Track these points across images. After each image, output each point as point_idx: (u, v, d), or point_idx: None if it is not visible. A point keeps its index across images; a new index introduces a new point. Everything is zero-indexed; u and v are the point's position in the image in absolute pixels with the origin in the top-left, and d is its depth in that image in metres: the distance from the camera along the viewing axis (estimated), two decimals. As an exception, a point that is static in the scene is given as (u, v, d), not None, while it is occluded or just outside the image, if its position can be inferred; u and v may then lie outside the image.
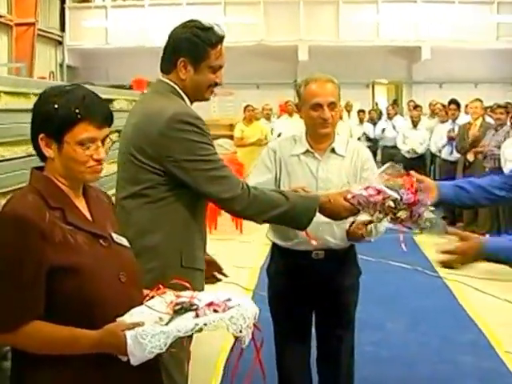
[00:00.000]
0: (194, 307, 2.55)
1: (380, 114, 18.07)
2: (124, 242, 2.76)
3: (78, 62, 23.75)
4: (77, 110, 2.50)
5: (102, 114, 2.56)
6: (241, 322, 2.47)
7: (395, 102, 19.29)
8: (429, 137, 14.32)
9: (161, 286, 2.70)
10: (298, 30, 22.81)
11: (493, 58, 23.58)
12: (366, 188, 3.54)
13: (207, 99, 3.65)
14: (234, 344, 2.64)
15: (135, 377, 2.54)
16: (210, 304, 2.55)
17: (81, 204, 2.67)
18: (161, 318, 2.50)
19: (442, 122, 13.88)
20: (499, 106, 11.34)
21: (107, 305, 2.52)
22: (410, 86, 24.58)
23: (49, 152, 2.55)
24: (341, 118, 17.67)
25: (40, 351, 2.45)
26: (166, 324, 2.47)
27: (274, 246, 4.49)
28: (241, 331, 2.47)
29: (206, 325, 2.43)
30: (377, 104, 23.98)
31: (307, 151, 4.27)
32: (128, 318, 2.48)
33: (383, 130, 16.68)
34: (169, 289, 2.69)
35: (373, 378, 5.78)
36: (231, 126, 16.08)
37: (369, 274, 9.01)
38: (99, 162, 2.58)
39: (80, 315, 2.47)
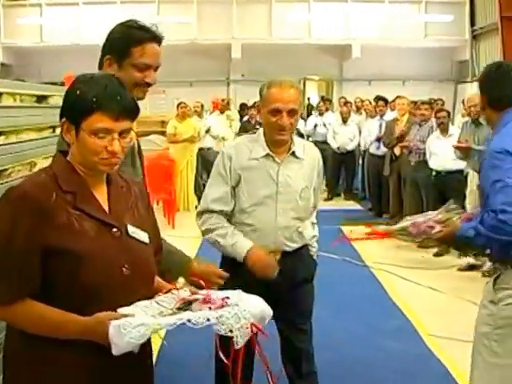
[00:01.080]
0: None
1: (311, 110, 18.35)
2: (141, 237, 2.72)
3: (12, 59, 23.54)
4: (94, 99, 2.49)
5: (120, 105, 2.53)
6: (231, 322, 2.40)
7: (323, 99, 19.58)
8: (358, 132, 14.66)
9: (179, 282, 2.76)
10: (231, 28, 22.95)
11: (420, 57, 24.09)
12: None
13: (137, 98, 3.48)
14: (217, 343, 2.55)
15: (122, 374, 2.58)
16: (206, 301, 2.53)
17: (100, 192, 2.66)
18: (161, 312, 2.49)
19: (371, 117, 14.23)
20: (423, 103, 11.65)
21: (103, 294, 2.50)
22: (340, 83, 24.94)
23: (67, 137, 2.57)
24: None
25: (28, 330, 2.48)
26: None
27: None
28: (231, 331, 2.39)
29: (189, 321, 2.36)
30: (309, 99, 24.30)
31: (267, 155, 4.22)
32: (129, 309, 2.45)
33: (315, 126, 16.99)
34: (186, 285, 2.71)
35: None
36: (163, 123, 16.19)
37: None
38: (114, 154, 2.55)
39: (74, 300, 2.47)
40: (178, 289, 2.68)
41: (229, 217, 4.35)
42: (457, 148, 9.32)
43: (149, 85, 3.51)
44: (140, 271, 2.65)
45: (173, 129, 15.10)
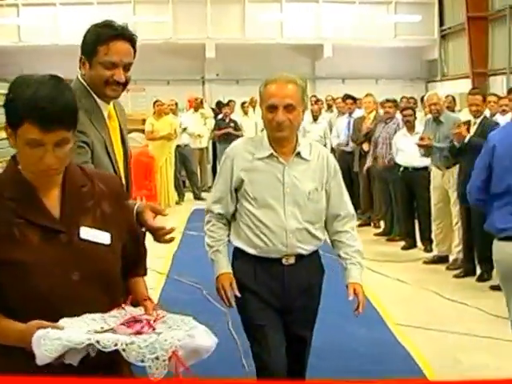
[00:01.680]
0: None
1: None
2: (100, 238, 2.58)
3: (-9, 59, 23.64)
4: (22, 108, 2.33)
5: (51, 115, 2.33)
6: (144, 351, 2.24)
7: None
8: (328, 130, 14.94)
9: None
10: (206, 28, 23.12)
11: (391, 56, 24.53)
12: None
13: (110, 96, 3.60)
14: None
15: None
16: (129, 325, 2.41)
17: (51, 196, 2.53)
18: (102, 328, 2.37)
19: (343, 114, 14.54)
20: (388, 101, 11.94)
21: (52, 303, 2.42)
22: (313, 81, 25.18)
23: (11, 142, 2.44)
24: (246, 113, 18.34)
25: None
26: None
27: (239, 250, 4.28)
28: (143, 361, 2.24)
29: (98, 342, 2.23)
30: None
31: (271, 155, 4.07)
32: (66, 320, 2.37)
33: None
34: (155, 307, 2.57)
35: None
36: (143, 121, 16.46)
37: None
38: (49, 167, 2.41)
39: (26, 310, 2.39)
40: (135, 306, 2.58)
41: (233, 218, 4.26)
42: (419, 146, 9.71)
43: (119, 83, 3.49)
44: (94, 276, 2.53)
45: (150, 126, 15.40)
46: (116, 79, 3.46)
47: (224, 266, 4.23)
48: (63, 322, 2.34)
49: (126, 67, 3.49)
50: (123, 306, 2.54)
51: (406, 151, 10.51)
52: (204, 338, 2.38)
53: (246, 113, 18.16)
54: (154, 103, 15.76)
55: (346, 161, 13.42)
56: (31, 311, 2.37)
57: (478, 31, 21.69)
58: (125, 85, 3.54)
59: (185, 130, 16.00)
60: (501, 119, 10.04)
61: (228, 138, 17.23)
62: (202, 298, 7.98)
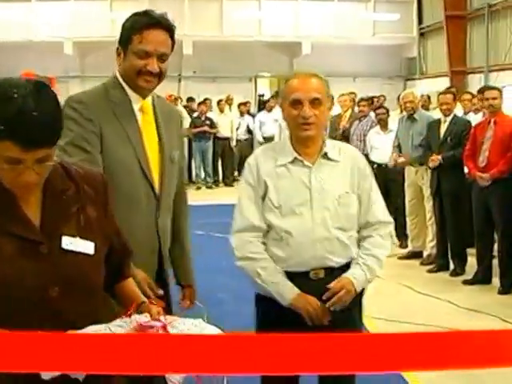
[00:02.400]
0: None
1: (263, 107, 18.65)
2: (83, 248, 2.40)
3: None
4: (2, 126, 2.10)
5: (34, 134, 2.13)
6: None
7: (273, 95, 19.94)
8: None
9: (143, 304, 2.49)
10: (183, 24, 23.15)
11: (370, 54, 24.62)
12: None
13: (142, 87, 3.41)
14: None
15: None
16: (143, 327, 2.29)
17: (31, 204, 2.34)
18: None
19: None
20: (362, 99, 12.02)
21: (26, 319, 2.22)
22: (291, 79, 25.32)
23: None
24: (222, 111, 18.35)
25: None
26: None
27: None
28: None
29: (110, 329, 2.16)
30: (261, 96, 24.62)
31: (295, 159, 3.66)
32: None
33: (263, 122, 17.35)
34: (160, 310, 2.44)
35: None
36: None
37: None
38: (28, 184, 2.24)
39: (5, 326, 2.11)
40: (139, 313, 2.41)
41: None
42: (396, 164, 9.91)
43: (153, 74, 3.32)
44: (75, 290, 2.35)
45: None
46: (149, 69, 3.30)
47: (293, 286, 3.68)
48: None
49: (162, 57, 3.33)
50: (128, 313, 2.39)
51: (380, 148, 10.58)
52: None
53: (221, 111, 18.14)
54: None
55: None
56: (11, 327, 2.09)
57: (456, 30, 21.82)
58: (160, 76, 3.37)
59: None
60: (473, 117, 10.11)
61: (203, 136, 17.25)
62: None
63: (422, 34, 24.96)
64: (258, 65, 23.92)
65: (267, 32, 23.78)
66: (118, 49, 3.39)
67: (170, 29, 3.38)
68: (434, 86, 20.33)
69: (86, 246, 2.39)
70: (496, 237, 8.41)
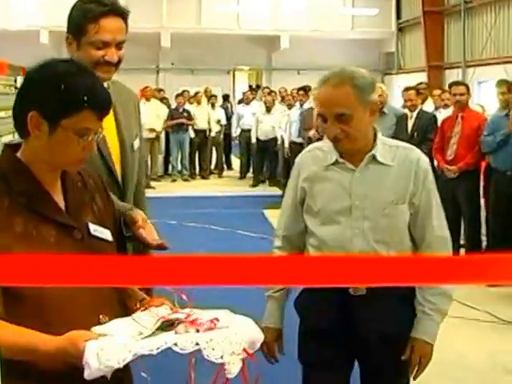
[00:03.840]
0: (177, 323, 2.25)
1: (242, 99, 18.68)
2: (105, 234, 2.43)
3: None
4: (85, 97, 2.19)
5: (105, 105, 2.28)
6: (222, 347, 2.09)
7: (251, 88, 20.03)
8: (281, 120, 15.03)
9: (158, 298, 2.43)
10: (161, 17, 23.18)
11: (348, 48, 24.71)
12: None
13: (102, 79, 3.09)
14: (217, 376, 2.13)
15: None
16: (193, 322, 2.21)
17: (55, 191, 2.35)
18: (141, 333, 2.21)
19: (292, 106, 14.65)
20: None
21: (67, 305, 2.23)
22: (269, 72, 25.38)
23: (35, 132, 2.22)
24: (199, 103, 18.36)
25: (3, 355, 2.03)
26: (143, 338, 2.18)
27: None
28: (222, 357, 2.07)
29: (176, 345, 2.07)
30: (257, 86, 24.63)
31: (337, 161, 3.25)
32: (105, 328, 2.20)
33: (241, 115, 17.44)
34: (166, 302, 2.39)
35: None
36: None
37: (217, 242, 9.75)
38: (88, 154, 2.32)
39: (36, 314, 2.20)
40: (157, 306, 2.36)
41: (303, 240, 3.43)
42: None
43: (110, 63, 3.18)
44: None
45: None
46: (108, 59, 3.14)
47: (269, 317, 3.49)
48: (99, 329, 2.17)
49: (119, 45, 3.18)
50: (145, 306, 2.36)
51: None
52: (254, 327, 2.27)
53: (199, 102, 18.15)
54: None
55: (298, 152, 13.31)
56: (40, 315, 2.19)
57: (433, 25, 21.99)
58: (117, 64, 3.22)
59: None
60: (443, 112, 10.23)
61: (181, 128, 17.27)
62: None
63: (400, 29, 25.12)
64: (236, 58, 24.01)
65: (246, 25, 23.87)
66: (67, 38, 3.21)
67: (124, 14, 3.19)
68: (411, 80, 20.43)
69: (106, 234, 2.43)
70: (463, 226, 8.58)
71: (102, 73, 3.08)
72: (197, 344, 2.07)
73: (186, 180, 17.57)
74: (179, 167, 17.79)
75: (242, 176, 17.71)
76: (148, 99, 17.01)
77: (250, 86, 24.16)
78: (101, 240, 2.39)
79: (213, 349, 2.07)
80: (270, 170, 16.70)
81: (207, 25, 23.35)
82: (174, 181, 17.46)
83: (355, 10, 24.66)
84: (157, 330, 2.22)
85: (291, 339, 3.45)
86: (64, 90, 2.17)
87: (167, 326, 2.24)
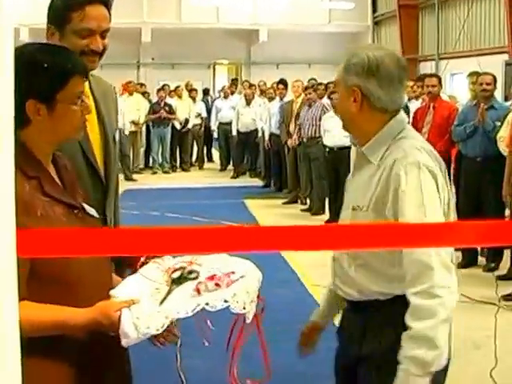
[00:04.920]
0: (194, 275, 2.34)
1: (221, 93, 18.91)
2: (94, 212, 2.53)
3: None
4: (69, 65, 2.34)
5: (84, 65, 2.46)
6: (244, 298, 2.20)
7: (232, 82, 20.21)
8: (262, 113, 15.29)
9: None
10: (141, 12, 23.30)
11: (325, 41, 25.06)
12: None
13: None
14: (235, 321, 2.32)
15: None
16: (212, 277, 2.29)
17: (52, 173, 2.43)
18: (157, 289, 2.30)
19: (273, 99, 14.93)
20: (307, 87, 12.43)
21: (86, 282, 2.33)
22: (248, 66, 25.56)
23: (37, 118, 2.29)
24: (180, 97, 18.60)
25: (29, 334, 1.95)
26: (165, 298, 2.25)
27: None
28: (244, 308, 2.19)
29: (207, 304, 2.15)
30: (235, 79, 24.81)
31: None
32: (122, 290, 2.30)
33: (219, 108, 17.75)
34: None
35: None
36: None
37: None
38: (84, 118, 2.44)
39: (61, 293, 2.26)
40: (159, 256, 2.47)
41: None
42: None
43: (96, 52, 3.08)
44: None
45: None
46: (93, 48, 3.02)
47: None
48: (118, 293, 2.28)
49: (103, 34, 3.07)
50: (145, 260, 2.48)
51: (332, 131, 10.84)
52: (255, 269, 2.42)
53: (179, 96, 18.38)
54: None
55: (277, 143, 13.91)
56: (67, 290, 2.28)
57: (408, 18, 22.33)
58: (102, 54, 3.10)
59: (124, 116, 16.25)
60: (414, 104, 10.55)
61: (162, 122, 17.53)
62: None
63: (376, 23, 25.46)
64: (216, 52, 24.22)
65: (225, 19, 24.06)
66: (49, 28, 3.08)
67: (108, 2, 3.10)
68: (387, 73, 20.79)
69: (94, 211, 2.53)
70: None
71: (88, 62, 2.96)
72: (225, 301, 2.18)
73: (166, 172, 17.82)
74: (160, 160, 18.01)
75: (223, 168, 18.04)
76: (131, 93, 17.28)
77: (233, 80, 24.41)
78: (93, 217, 2.50)
79: (237, 302, 2.18)
80: (251, 162, 17.01)
81: (187, 20, 23.54)
82: (155, 173, 17.72)
83: (332, 3, 24.89)
84: (172, 284, 2.32)
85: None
86: (50, 67, 2.28)
87: (179, 278, 2.35)
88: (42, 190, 2.28)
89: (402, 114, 2.83)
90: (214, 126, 17.98)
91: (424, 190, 2.57)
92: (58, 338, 2.23)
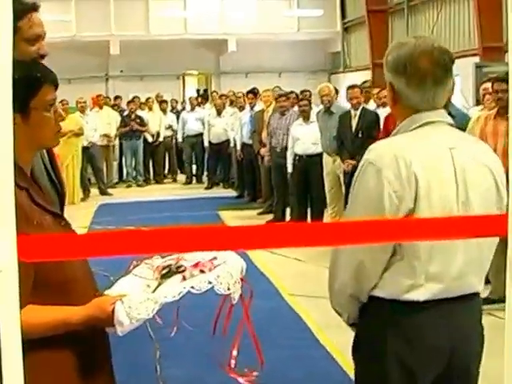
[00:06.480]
0: (181, 269, 2.48)
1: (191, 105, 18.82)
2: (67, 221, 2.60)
3: None
4: (38, 74, 2.43)
5: (54, 74, 2.52)
6: (228, 280, 2.40)
7: (204, 94, 20.19)
8: (233, 123, 15.22)
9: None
10: (109, 25, 23.19)
11: (295, 49, 25.07)
12: None
13: None
14: (222, 304, 2.54)
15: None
16: (196, 265, 2.47)
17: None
18: (148, 286, 2.47)
19: (243, 109, 14.87)
20: (280, 96, 12.28)
21: (78, 280, 2.48)
22: (218, 76, 25.55)
23: (13, 128, 2.26)
24: (150, 109, 18.51)
25: (31, 336, 2.12)
26: (155, 290, 2.44)
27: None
28: (229, 289, 2.40)
29: (193, 287, 2.35)
30: (204, 90, 24.73)
31: None
32: (115, 289, 2.47)
33: (185, 120, 17.67)
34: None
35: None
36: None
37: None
38: (59, 126, 2.51)
39: (61, 297, 2.39)
40: (149, 258, 2.63)
41: None
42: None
43: (43, 56, 3.11)
44: None
45: (56, 124, 15.36)
46: (42, 53, 3.06)
47: None
48: (114, 292, 2.44)
49: (43, 38, 3.13)
50: (137, 263, 2.64)
51: (301, 139, 10.88)
52: (239, 258, 2.58)
53: (150, 108, 18.30)
54: (60, 102, 15.75)
55: (250, 153, 13.85)
56: (63, 291, 2.41)
57: (378, 24, 22.36)
58: (43, 57, 3.14)
59: (95, 130, 16.17)
60: (381, 111, 10.52)
61: (134, 135, 17.43)
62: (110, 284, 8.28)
63: (345, 29, 25.47)
64: (185, 63, 24.11)
65: (193, 30, 23.99)
66: None
67: (39, 8, 3.15)
68: (357, 79, 20.78)
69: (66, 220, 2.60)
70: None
71: None
72: (209, 283, 2.37)
73: (140, 185, 17.71)
74: (134, 173, 17.91)
75: (188, 181, 17.98)
76: (101, 107, 17.17)
77: (198, 91, 24.35)
78: (70, 226, 2.59)
79: (221, 283, 2.37)
80: (224, 173, 16.94)
81: (155, 31, 23.46)
82: (129, 186, 17.62)
83: (300, 11, 24.94)
84: (161, 279, 2.50)
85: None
86: (21, 78, 2.26)
87: (167, 273, 2.51)
88: (33, 199, 2.36)
89: (429, 113, 2.76)
90: (180, 138, 17.89)
91: (358, 186, 2.72)
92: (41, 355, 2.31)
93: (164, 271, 2.52)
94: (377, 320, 2.81)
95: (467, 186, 2.68)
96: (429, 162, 2.65)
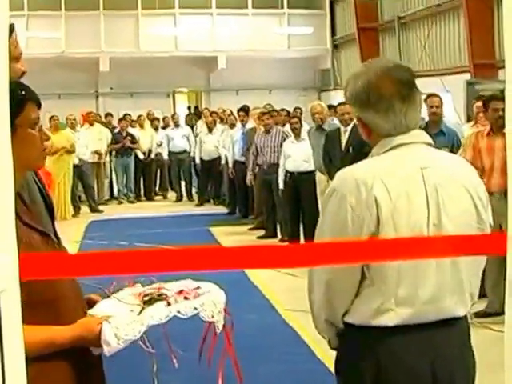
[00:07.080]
0: (163, 296, 2.51)
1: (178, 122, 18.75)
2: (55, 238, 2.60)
3: None
4: (23, 92, 2.42)
5: (35, 93, 2.51)
6: (212, 308, 2.47)
7: (196, 109, 20.12)
8: (225, 140, 15.21)
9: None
10: (99, 42, 23.17)
11: (285, 66, 25.10)
12: None
13: None
14: (207, 331, 2.58)
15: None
16: (180, 292, 2.52)
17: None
18: (132, 310, 2.47)
19: (234, 126, 14.88)
20: (263, 114, 12.31)
21: (67, 298, 2.48)
22: (208, 93, 25.55)
23: None
24: (142, 126, 18.50)
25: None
26: (139, 314, 2.45)
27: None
28: (213, 316, 2.47)
29: (179, 312, 2.41)
30: (195, 107, 24.67)
31: None
32: (99, 311, 2.48)
33: (171, 137, 17.67)
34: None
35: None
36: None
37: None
38: (45, 146, 2.51)
39: (51, 317, 2.40)
40: (131, 285, 2.65)
41: None
42: None
43: (24, 73, 3.02)
44: None
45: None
46: (24, 70, 3.00)
47: None
48: (97, 313, 2.46)
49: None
50: (117, 284, 2.66)
51: (293, 156, 10.93)
52: (220, 291, 2.63)
53: (141, 126, 18.28)
54: (50, 118, 15.71)
55: (241, 170, 13.80)
56: (51, 310, 2.41)
57: (368, 41, 22.39)
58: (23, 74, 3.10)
59: (86, 147, 16.13)
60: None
61: (125, 152, 17.39)
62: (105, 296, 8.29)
63: (335, 46, 25.52)
64: (175, 80, 24.06)
65: (183, 47, 23.99)
66: None
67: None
68: (347, 96, 20.82)
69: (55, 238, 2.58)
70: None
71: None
72: (195, 309, 2.45)
73: (131, 202, 17.69)
74: (125, 190, 17.88)
75: (178, 199, 17.93)
76: (92, 124, 17.12)
77: (189, 108, 24.30)
78: (59, 243, 2.59)
79: (205, 310, 2.46)
80: (215, 189, 16.90)
81: (145, 48, 23.42)
82: (121, 203, 17.61)
83: (290, 28, 25.00)
84: (144, 304, 2.50)
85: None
86: None
87: (150, 300, 2.52)
88: (20, 218, 2.31)
89: (401, 136, 2.67)
90: (165, 155, 17.83)
91: (325, 212, 2.72)
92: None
93: (146, 298, 2.53)
94: (352, 346, 2.78)
95: (440, 208, 2.59)
96: (395, 185, 2.56)
